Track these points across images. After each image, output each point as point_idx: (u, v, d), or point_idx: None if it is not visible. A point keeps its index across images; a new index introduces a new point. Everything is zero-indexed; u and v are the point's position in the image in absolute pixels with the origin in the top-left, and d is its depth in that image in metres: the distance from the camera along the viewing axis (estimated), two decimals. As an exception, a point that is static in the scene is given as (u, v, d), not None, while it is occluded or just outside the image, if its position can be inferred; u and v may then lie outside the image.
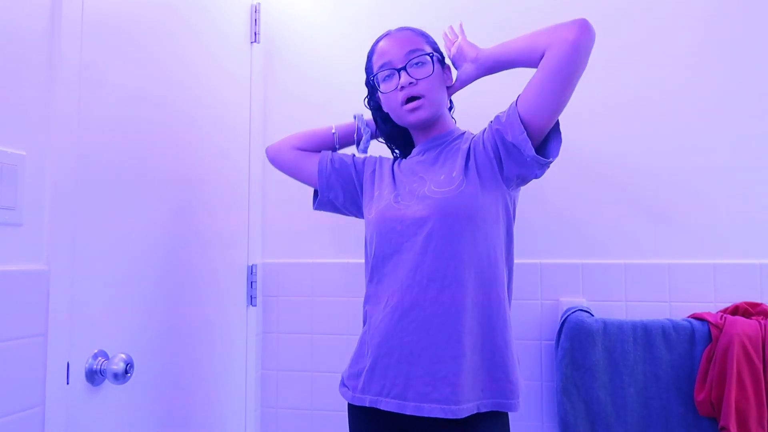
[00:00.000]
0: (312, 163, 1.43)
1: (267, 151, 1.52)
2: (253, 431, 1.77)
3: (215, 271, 1.63)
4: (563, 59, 1.11)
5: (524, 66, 1.20)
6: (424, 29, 1.35)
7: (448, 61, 1.36)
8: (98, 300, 1.17)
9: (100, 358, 1.15)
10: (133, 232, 1.28)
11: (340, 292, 1.78)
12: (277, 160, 1.50)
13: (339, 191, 1.41)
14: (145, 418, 1.31)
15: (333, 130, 1.46)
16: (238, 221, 1.75)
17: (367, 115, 1.46)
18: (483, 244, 1.20)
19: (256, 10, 1.85)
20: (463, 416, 1.14)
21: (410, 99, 1.25)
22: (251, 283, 1.78)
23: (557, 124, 1.19)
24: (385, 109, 1.34)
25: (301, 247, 1.84)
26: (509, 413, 1.22)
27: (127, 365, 1.13)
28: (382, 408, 1.20)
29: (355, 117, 1.45)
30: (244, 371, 1.74)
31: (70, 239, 1.09)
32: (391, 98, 1.28)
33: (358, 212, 1.44)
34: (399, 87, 1.25)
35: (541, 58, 1.14)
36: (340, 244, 1.79)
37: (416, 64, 1.25)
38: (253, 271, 1.79)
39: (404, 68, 1.25)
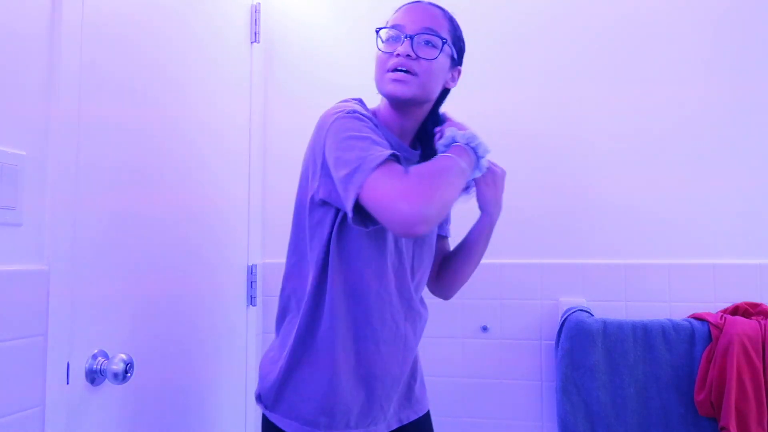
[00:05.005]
0: None
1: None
2: (253, 431, 1.77)
3: (215, 271, 1.63)
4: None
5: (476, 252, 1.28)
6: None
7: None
8: (98, 300, 1.17)
9: (100, 358, 1.15)
10: (133, 231, 1.28)
11: (340, 292, 1.77)
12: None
13: None
14: (145, 418, 1.31)
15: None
16: (238, 221, 1.75)
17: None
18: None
19: (256, 10, 1.85)
20: (426, 410, 1.29)
21: (400, 71, 1.10)
22: (251, 283, 1.78)
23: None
24: (375, 69, 1.18)
25: (301, 247, 1.83)
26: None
27: (127, 365, 1.13)
28: None
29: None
30: (244, 371, 1.74)
31: (70, 239, 1.09)
32: (382, 59, 1.14)
33: None
34: (395, 53, 1.10)
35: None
36: (340, 244, 1.78)
37: (426, 42, 1.11)
38: (253, 271, 1.79)
39: (412, 37, 1.10)
